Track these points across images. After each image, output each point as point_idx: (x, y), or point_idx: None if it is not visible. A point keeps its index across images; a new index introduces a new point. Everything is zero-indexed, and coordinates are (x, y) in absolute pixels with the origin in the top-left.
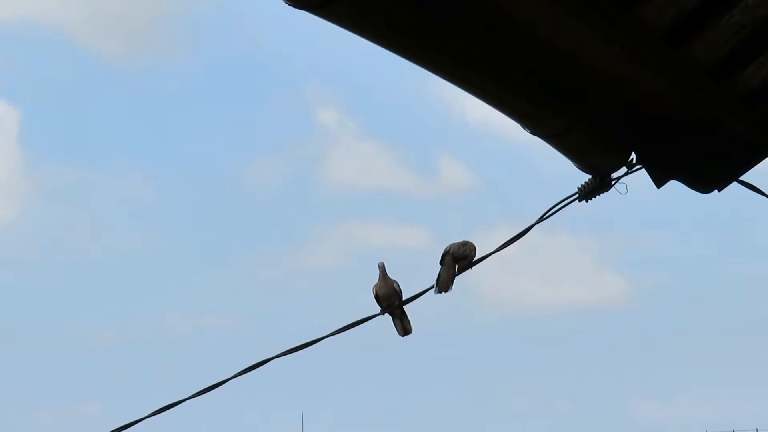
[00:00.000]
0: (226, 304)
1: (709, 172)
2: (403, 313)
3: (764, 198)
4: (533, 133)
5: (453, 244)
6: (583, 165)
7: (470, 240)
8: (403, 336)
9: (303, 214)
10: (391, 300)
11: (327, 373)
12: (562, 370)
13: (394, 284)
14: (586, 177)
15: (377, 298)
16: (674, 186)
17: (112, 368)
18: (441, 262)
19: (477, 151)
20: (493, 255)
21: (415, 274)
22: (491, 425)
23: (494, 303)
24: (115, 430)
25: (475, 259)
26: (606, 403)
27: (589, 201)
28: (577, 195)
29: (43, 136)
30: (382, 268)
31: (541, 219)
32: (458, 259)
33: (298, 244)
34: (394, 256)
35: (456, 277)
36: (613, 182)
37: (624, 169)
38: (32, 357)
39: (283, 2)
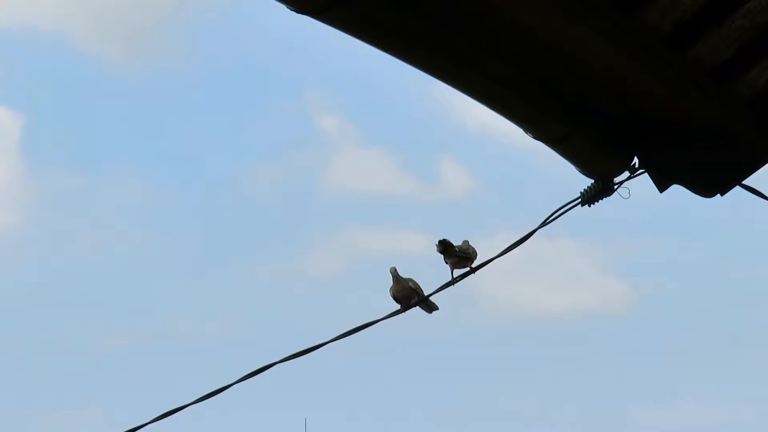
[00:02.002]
0: (227, 308)
1: (712, 176)
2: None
3: (767, 202)
4: (536, 137)
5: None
6: (585, 169)
7: (471, 245)
8: (430, 313)
9: (303, 220)
10: (409, 299)
11: (330, 378)
12: (564, 374)
13: (409, 283)
14: (588, 181)
15: (396, 299)
16: (677, 190)
17: (114, 373)
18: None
19: (478, 156)
20: (495, 260)
21: (417, 279)
22: (494, 428)
23: (494, 307)
24: None
25: (476, 264)
26: (608, 408)
27: (592, 205)
28: (579, 199)
29: (44, 143)
30: (394, 273)
31: (544, 223)
32: (461, 250)
33: (299, 250)
34: (395, 261)
35: (457, 273)
36: (615, 186)
37: (626, 174)
38: (33, 362)
39: (285, 7)
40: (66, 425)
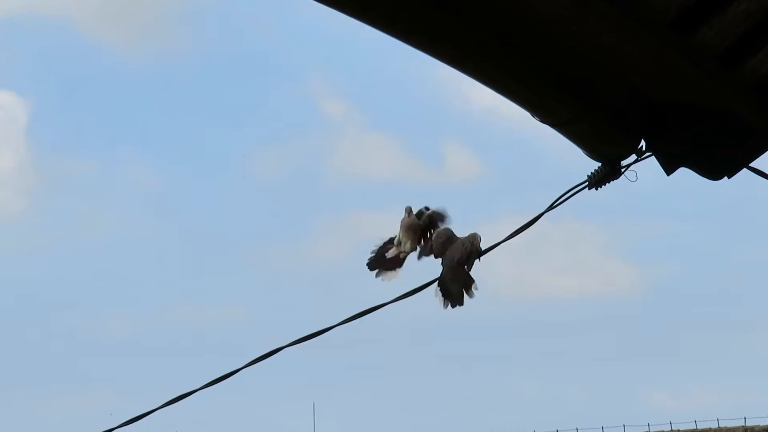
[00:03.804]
0: (235, 294)
1: (719, 159)
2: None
3: None
4: (542, 121)
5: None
6: (592, 153)
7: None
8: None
9: (309, 205)
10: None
11: (338, 364)
12: (574, 358)
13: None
14: (594, 165)
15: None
16: (684, 173)
17: (123, 359)
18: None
19: (483, 139)
20: (501, 244)
21: (424, 264)
22: (503, 413)
23: (501, 292)
24: (128, 421)
25: (483, 249)
26: (617, 392)
27: (599, 188)
28: (586, 182)
29: (51, 128)
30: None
31: (552, 207)
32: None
33: (305, 235)
34: None
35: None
36: (622, 170)
37: (634, 157)
38: (42, 347)
39: None
40: (76, 410)
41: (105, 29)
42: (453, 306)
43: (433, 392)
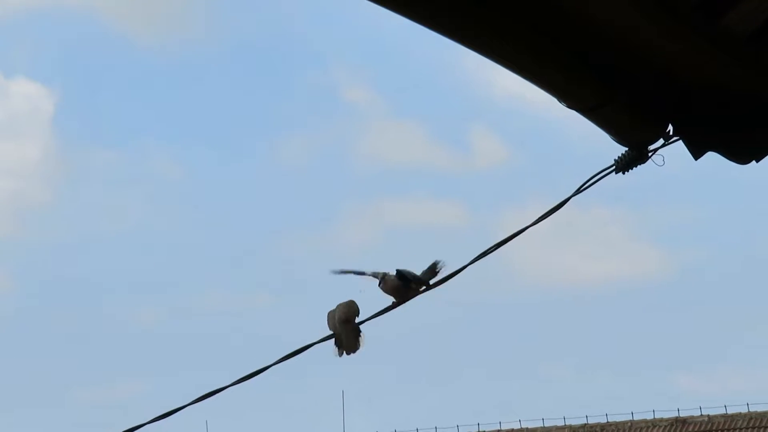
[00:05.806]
0: (258, 284)
1: (747, 143)
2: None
3: None
4: (569, 106)
5: (339, 308)
6: (619, 137)
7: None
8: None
9: (334, 193)
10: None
11: (367, 351)
12: (601, 343)
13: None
14: (621, 149)
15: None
16: (711, 157)
17: (151, 350)
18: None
19: (509, 124)
20: (527, 229)
21: (450, 250)
22: (532, 400)
23: (528, 277)
24: (159, 416)
25: (514, 232)
26: (647, 376)
27: (626, 173)
28: (613, 167)
29: (76, 118)
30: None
31: (579, 191)
32: (349, 320)
33: (331, 223)
34: (428, 232)
35: (361, 334)
36: (650, 154)
37: (661, 141)
38: (70, 338)
39: None
40: (104, 401)
41: (129, 18)
42: (347, 353)
43: (462, 381)
